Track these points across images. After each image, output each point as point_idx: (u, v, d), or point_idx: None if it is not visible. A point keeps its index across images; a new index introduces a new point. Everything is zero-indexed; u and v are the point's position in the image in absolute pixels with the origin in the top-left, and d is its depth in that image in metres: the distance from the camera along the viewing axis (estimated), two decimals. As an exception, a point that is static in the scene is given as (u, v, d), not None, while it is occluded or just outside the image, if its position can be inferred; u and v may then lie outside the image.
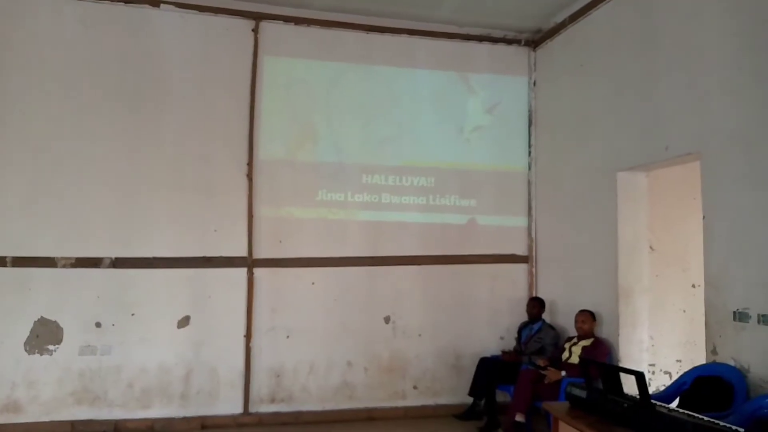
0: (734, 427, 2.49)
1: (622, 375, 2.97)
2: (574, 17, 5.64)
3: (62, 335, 5.18)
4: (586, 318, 5.04)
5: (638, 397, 2.76)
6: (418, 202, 6.08)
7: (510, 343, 5.95)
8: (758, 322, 3.56)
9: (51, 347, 5.16)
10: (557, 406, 3.40)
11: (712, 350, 3.90)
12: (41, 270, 5.17)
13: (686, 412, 2.73)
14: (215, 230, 5.54)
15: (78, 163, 5.31)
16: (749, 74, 3.73)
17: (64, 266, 5.21)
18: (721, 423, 2.56)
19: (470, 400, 5.62)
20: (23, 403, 5.05)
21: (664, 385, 4.61)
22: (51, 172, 5.25)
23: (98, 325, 5.25)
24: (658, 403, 2.81)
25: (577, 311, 5.13)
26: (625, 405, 2.79)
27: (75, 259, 5.24)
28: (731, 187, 3.82)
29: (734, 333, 3.73)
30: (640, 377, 2.75)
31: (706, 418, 2.58)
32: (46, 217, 5.22)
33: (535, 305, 5.81)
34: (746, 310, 3.64)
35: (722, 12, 3.98)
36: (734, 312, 3.72)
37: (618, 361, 4.80)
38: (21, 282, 5.13)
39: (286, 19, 5.82)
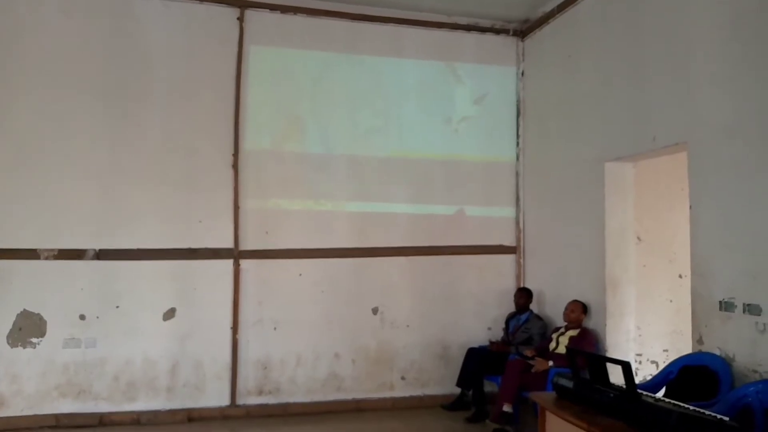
0: (719, 416, 2.50)
1: (609, 365, 2.97)
2: (562, 7, 5.61)
3: (46, 328, 5.11)
4: (576, 307, 5.04)
5: (625, 386, 2.76)
6: (405, 193, 6.05)
7: (498, 334, 5.96)
8: (743, 311, 3.57)
9: (34, 340, 5.09)
10: (544, 396, 3.41)
11: (698, 340, 3.92)
12: (23, 262, 5.09)
13: (672, 401, 2.73)
14: (200, 222, 5.47)
15: (60, 154, 5.21)
16: (736, 65, 3.73)
17: (47, 258, 5.14)
18: (707, 412, 2.57)
19: (458, 390, 5.63)
20: (6, 396, 4.98)
21: (651, 375, 4.63)
22: (33, 163, 5.15)
23: (82, 317, 5.19)
24: (645, 393, 2.81)
25: (564, 301, 5.14)
26: (612, 395, 2.80)
27: (58, 251, 5.16)
28: (718, 177, 3.82)
29: (720, 322, 3.74)
30: (626, 367, 2.75)
31: (691, 407, 2.59)
32: (29, 208, 5.12)
33: (523, 296, 5.82)
34: (732, 300, 3.66)
35: (710, 2, 3.96)
36: (720, 302, 3.74)
37: (605, 351, 4.82)
38: (3, 274, 5.04)
39: (272, 8, 5.74)
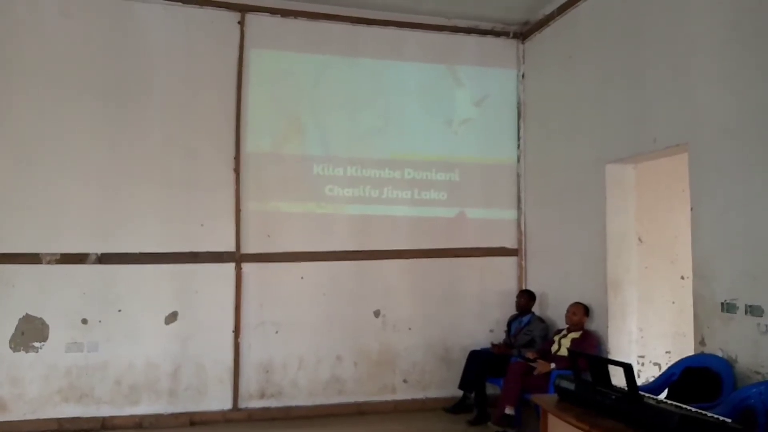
0: (721, 418, 2.50)
1: (611, 367, 2.96)
2: (562, 9, 5.62)
3: (48, 332, 5.12)
4: (578, 310, 5.03)
5: (626, 388, 2.76)
6: (406, 196, 6.05)
7: (500, 336, 5.95)
8: (745, 312, 3.57)
9: (36, 344, 5.10)
10: (546, 399, 3.40)
11: (700, 341, 3.91)
12: (26, 266, 5.09)
13: (674, 403, 2.72)
14: (202, 225, 5.48)
15: (62, 158, 5.23)
16: (737, 65, 3.73)
17: (49, 262, 5.14)
18: (709, 414, 2.56)
19: (460, 393, 5.62)
20: (8, 401, 4.99)
21: (653, 377, 4.62)
22: (34, 166, 5.17)
23: (84, 321, 5.20)
24: (646, 395, 2.80)
25: (566, 303, 5.13)
26: (614, 397, 2.79)
27: (60, 255, 5.17)
28: (719, 178, 3.82)
29: (722, 324, 3.74)
30: (628, 369, 2.74)
31: (693, 409, 2.58)
32: (30, 212, 5.14)
33: (525, 298, 5.81)
34: (734, 301, 3.65)
35: (710, 2, 3.96)
36: (722, 303, 3.73)
37: (607, 353, 4.81)
38: (5, 279, 5.06)
39: (273, 11, 5.76)
